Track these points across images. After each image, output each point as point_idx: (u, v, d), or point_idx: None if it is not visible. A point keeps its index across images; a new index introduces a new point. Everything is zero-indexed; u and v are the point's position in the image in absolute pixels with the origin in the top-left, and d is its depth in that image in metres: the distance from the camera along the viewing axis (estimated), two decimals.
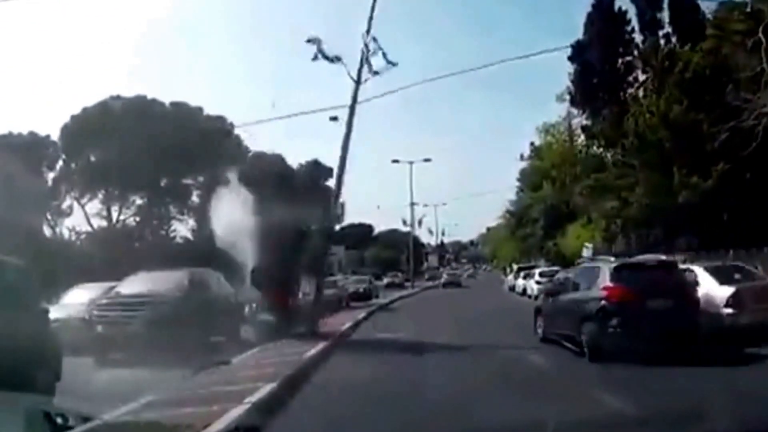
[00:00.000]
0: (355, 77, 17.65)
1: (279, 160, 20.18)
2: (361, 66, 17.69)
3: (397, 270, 74.32)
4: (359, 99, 17.92)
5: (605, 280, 12.35)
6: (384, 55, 17.71)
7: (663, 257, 17.02)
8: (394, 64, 17.91)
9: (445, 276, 64.85)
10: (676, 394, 8.27)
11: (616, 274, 12.41)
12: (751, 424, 4.00)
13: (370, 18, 17.73)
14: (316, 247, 17.60)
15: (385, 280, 60.27)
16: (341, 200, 18.17)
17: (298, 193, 18.00)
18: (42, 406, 6.16)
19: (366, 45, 17.58)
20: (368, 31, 17.67)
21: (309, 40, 17.73)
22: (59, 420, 4.99)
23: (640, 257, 17.03)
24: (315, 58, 17.82)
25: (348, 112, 17.91)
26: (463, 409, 7.89)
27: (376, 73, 17.77)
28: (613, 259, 15.32)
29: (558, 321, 13.84)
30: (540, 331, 14.84)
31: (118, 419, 6.93)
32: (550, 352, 12.96)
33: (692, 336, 11.77)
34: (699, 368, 10.05)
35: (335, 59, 17.65)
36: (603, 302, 11.83)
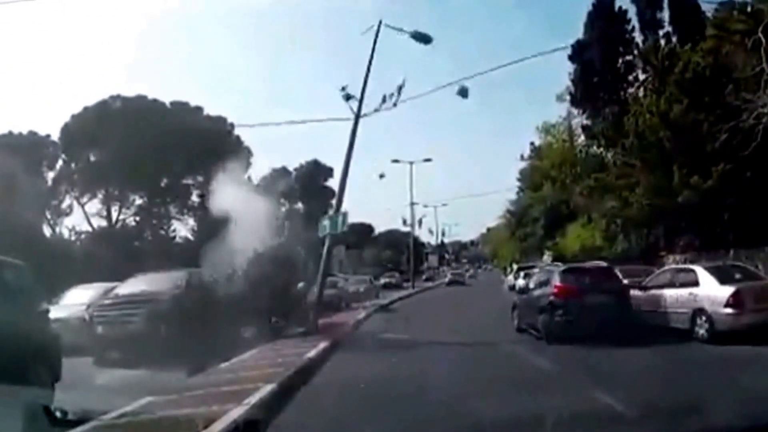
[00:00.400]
0: (356, 111, 18.40)
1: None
2: (361, 102, 18.18)
3: (398, 270, 74.24)
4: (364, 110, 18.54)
5: (556, 280, 15.37)
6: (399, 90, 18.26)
7: (603, 264, 20.38)
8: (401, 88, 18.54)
9: (449, 275, 67.98)
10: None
11: (563, 276, 15.63)
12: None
13: (370, 60, 18.37)
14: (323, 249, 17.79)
15: (382, 281, 59.25)
16: (345, 210, 18.36)
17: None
18: (41, 401, 6.17)
19: (365, 83, 18.14)
20: (368, 71, 18.22)
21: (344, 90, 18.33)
22: (58, 414, 4.99)
23: (587, 263, 20.54)
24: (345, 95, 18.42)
25: (348, 143, 18.48)
26: (459, 397, 8.01)
27: (394, 105, 18.35)
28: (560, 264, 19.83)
29: (526, 313, 16.67)
30: (515, 322, 17.49)
31: (117, 419, 6.92)
32: (521, 339, 15.68)
33: (622, 325, 14.07)
34: (627, 348, 12.70)
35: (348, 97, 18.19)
36: (552, 298, 14.82)
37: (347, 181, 18.91)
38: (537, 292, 16.42)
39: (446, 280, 64.12)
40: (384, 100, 18.51)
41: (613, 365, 11.33)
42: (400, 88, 18.50)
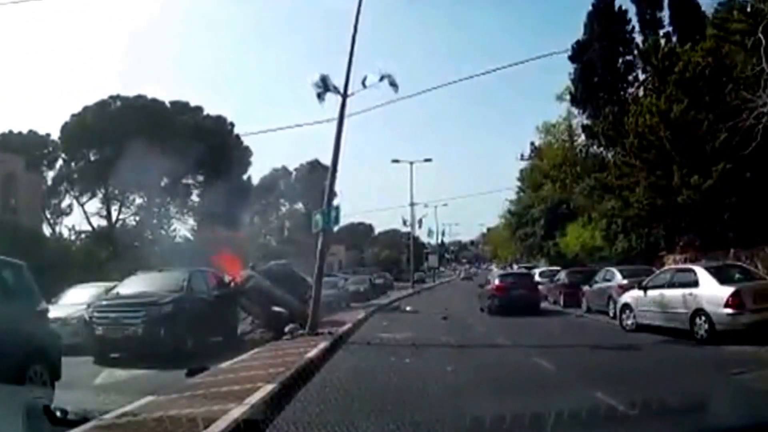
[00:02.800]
0: (342, 91, 17.65)
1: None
2: (347, 79, 17.70)
3: (398, 270, 74.18)
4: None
5: (495, 281, 26.18)
6: (390, 80, 17.89)
7: (524, 270, 35.65)
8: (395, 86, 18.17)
9: (463, 273, 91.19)
10: (518, 324, 20.25)
11: (500, 278, 26.80)
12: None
13: (355, 29, 17.83)
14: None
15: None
16: (337, 204, 18.05)
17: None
18: (41, 400, 6.16)
19: (351, 56, 17.66)
20: (353, 41, 17.75)
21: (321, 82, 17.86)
22: (58, 413, 4.98)
23: (515, 271, 36.21)
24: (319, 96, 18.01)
25: (336, 128, 17.88)
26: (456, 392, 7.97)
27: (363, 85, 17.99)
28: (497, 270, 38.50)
29: (483, 299, 26.78)
30: (479, 305, 27.12)
31: (118, 419, 6.92)
32: (479, 315, 25.08)
33: (532, 307, 24.27)
34: (530, 317, 22.25)
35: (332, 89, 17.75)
36: (493, 290, 25.30)
37: (338, 174, 18.55)
38: (487, 287, 26.72)
39: (461, 276, 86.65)
40: (363, 84, 18.02)
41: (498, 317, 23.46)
42: (383, 78, 18.04)
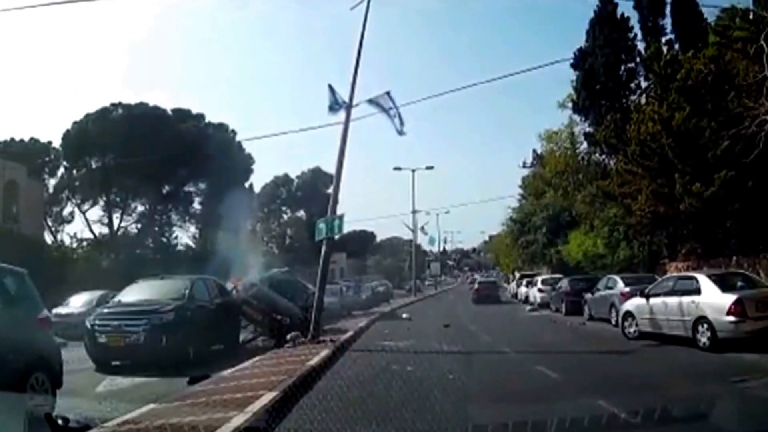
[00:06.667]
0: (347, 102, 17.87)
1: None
2: (352, 92, 17.84)
3: (400, 278, 74.11)
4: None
5: (475, 285, 49.59)
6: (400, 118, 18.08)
7: (492, 278, 64.18)
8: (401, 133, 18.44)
9: (469, 279, 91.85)
10: (486, 310, 34.21)
11: (478, 282, 51.11)
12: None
13: (361, 41, 17.97)
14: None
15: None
16: (341, 213, 18.10)
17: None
18: (43, 408, 6.16)
19: (356, 68, 17.84)
20: (359, 54, 17.90)
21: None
22: (60, 421, 4.97)
23: (486, 278, 61.14)
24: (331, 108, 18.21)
25: (341, 137, 18.02)
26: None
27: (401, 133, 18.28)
28: (478, 277, 66.64)
29: (470, 295, 46.23)
30: (470, 299, 43.11)
31: (119, 427, 6.90)
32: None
33: (495, 300, 42.92)
34: (496, 305, 38.96)
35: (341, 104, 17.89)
36: (474, 290, 46.95)
37: (341, 181, 18.63)
38: (473, 288, 48.24)
39: (468, 281, 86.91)
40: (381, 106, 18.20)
41: (477, 305, 39.26)
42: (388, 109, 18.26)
